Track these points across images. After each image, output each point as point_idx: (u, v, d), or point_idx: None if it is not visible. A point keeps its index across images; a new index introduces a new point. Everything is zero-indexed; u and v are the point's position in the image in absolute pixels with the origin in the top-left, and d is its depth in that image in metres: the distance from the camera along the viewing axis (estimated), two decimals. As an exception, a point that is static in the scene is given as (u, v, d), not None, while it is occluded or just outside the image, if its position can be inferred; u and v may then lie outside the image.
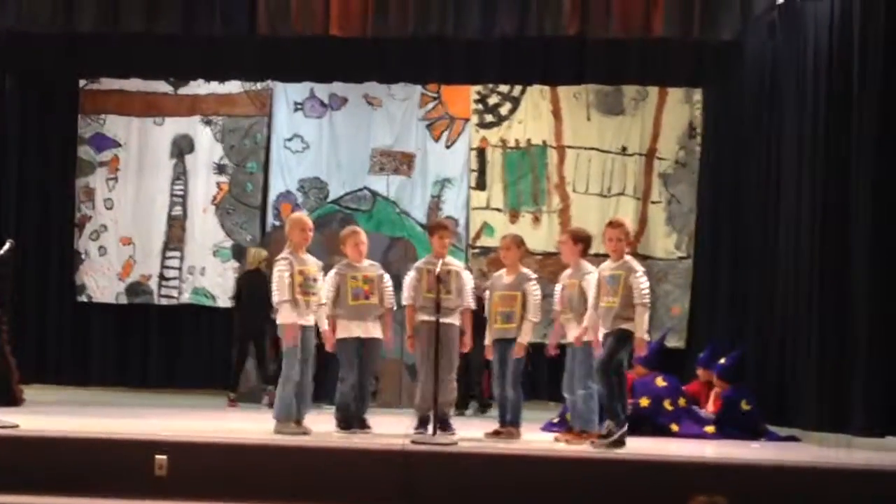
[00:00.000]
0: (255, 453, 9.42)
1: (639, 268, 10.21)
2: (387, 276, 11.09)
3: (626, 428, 10.06)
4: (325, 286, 10.84)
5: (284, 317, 10.52)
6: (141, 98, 17.52)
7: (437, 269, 10.45)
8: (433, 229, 11.27)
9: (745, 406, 12.34)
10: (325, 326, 10.75)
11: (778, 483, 8.99)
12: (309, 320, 10.60)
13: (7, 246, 10.63)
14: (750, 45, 14.31)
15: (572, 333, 10.71)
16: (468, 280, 11.04)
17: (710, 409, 12.63)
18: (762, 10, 12.74)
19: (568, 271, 10.93)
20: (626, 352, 10.19)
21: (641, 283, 10.06)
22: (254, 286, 14.69)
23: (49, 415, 11.72)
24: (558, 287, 11.02)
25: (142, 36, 13.27)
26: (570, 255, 10.88)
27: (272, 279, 10.65)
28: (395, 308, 11.11)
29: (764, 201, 13.98)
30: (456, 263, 11.14)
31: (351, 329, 10.85)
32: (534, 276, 11.10)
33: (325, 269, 10.95)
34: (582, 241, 10.82)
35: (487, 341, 11.06)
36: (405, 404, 14.26)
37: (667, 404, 12.19)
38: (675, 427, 12.00)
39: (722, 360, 12.84)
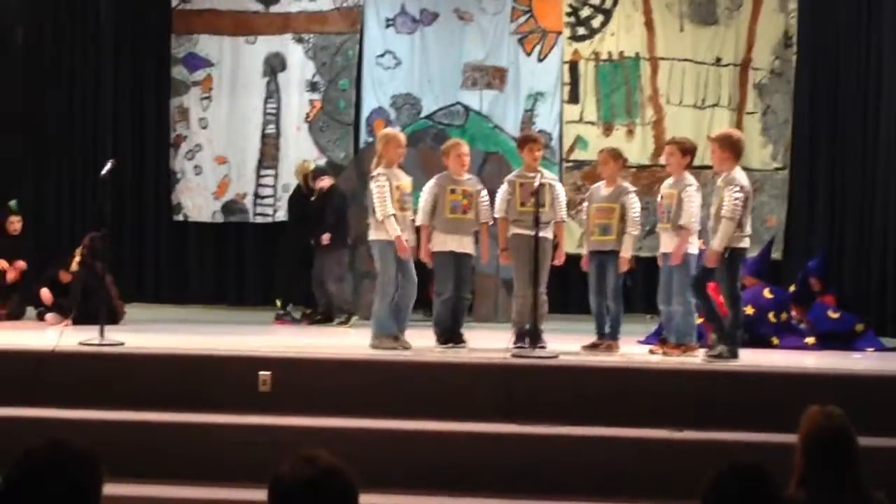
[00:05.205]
0: (355, 369, 9.52)
1: (738, 183, 9.98)
2: (484, 192, 11.05)
3: (737, 357, 9.98)
4: (422, 197, 10.84)
5: (392, 230, 10.50)
6: (232, 17, 17.54)
7: (534, 182, 10.43)
8: (523, 142, 11.24)
9: (832, 315, 12.23)
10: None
11: (883, 394, 8.92)
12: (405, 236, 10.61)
13: (108, 166, 10.74)
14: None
15: (666, 244, 10.65)
16: (561, 192, 11.02)
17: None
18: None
19: (669, 181, 10.83)
20: (728, 267, 10.03)
21: (734, 196, 9.91)
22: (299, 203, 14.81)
23: (151, 333, 11.89)
24: (659, 198, 10.96)
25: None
26: (675, 166, 10.74)
27: (371, 194, 10.61)
28: (490, 224, 11.10)
29: (863, 110, 13.78)
30: (549, 175, 11.11)
31: (446, 242, 10.85)
32: (632, 188, 11.05)
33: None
34: (689, 152, 10.70)
35: (585, 251, 11.06)
36: (501, 319, 14.24)
37: (770, 316, 12.09)
38: (775, 340, 11.92)
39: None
